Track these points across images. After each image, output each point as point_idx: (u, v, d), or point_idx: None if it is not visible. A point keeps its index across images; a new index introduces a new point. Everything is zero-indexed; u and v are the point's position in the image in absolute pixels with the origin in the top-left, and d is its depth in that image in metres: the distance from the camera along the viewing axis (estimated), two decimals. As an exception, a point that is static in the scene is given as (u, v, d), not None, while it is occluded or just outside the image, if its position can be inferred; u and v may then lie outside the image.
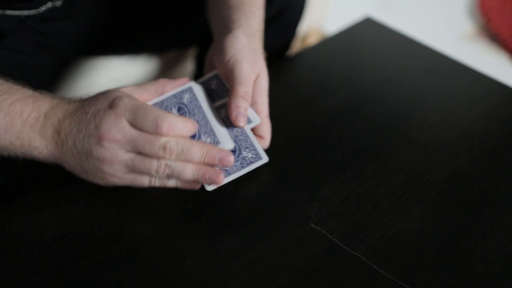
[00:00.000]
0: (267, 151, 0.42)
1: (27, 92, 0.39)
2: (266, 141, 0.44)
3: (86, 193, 0.42)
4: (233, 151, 0.41)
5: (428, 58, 0.60)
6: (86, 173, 0.39)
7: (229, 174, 0.40)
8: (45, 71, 0.61)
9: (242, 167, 0.40)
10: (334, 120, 0.50)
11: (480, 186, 0.44)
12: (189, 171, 0.37)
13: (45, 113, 0.38)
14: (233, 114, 0.40)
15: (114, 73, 0.71)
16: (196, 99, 0.42)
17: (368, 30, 0.65)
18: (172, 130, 0.36)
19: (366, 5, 1.55)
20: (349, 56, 0.60)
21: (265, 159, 0.41)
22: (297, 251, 0.38)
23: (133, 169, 0.37)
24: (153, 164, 0.37)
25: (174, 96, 0.42)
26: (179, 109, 0.41)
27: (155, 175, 0.38)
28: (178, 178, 0.38)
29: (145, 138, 0.36)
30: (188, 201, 0.41)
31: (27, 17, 0.55)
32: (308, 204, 0.41)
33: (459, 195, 0.43)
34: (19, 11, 0.54)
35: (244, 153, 0.41)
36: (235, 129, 0.41)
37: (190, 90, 0.42)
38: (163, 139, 0.36)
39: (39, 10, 0.55)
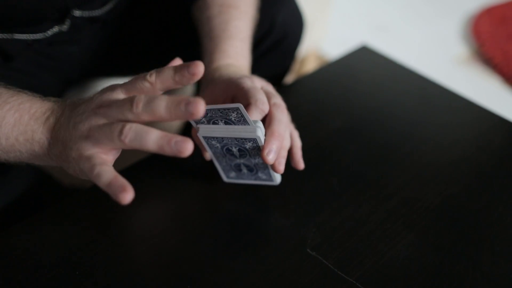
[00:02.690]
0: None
1: (37, 95, 0.41)
2: (299, 161, 0.44)
3: (89, 215, 0.43)
4: (250, 170, 0.43)
5: (421, 86, 0.63)
6: (66, 151, 0.36)
7: (242, 179, 0.44)
8: (50, 92, 0.62)
9: (255, 180, 0.45)
10: (330, 148, 0.52)
11: (471, 213, 0.46)
12: (153, 135, 0.32)
13: (52, 108, 0.38)
14: (266, 151, 0.38)
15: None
16: (259, 149, 0.40)
17: (364, 58, 0.67)
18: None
19: (363, 28, 1.59)
20: (345, 84, 0.62)
21: (275, 182, 0.44)
22: (293, 276, 0.39)
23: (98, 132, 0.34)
24: (117, 126, 0.33)
25: (236, 140, 0.39)
26: (240, 151, 0.41)
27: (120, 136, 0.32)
28: (141, 143, 0.32)
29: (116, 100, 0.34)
30: (186, 224, 0.43)
31: (34, 40, 0.57)
32: (305, 230, 0.43)
33: (451, 222, 0.45)
34: (27, 35, 0.56)
35: (260, 174, 0.44)
36: (257, 159, 0.42)
37: (254, 141, 0.39)
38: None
39: (46, 34, 0.57)
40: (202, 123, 0.40)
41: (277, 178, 0.44)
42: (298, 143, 0.45)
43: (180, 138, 0.30)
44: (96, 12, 0.61)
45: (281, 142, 0.39)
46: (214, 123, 0.39)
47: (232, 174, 0.45)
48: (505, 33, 1.55)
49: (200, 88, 0.51)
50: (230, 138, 0.39)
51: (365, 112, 0.57)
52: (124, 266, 0.39)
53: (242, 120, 0.38)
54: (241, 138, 0.39)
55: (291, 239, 0.42)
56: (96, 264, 0.38)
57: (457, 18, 1.66)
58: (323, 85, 0.61)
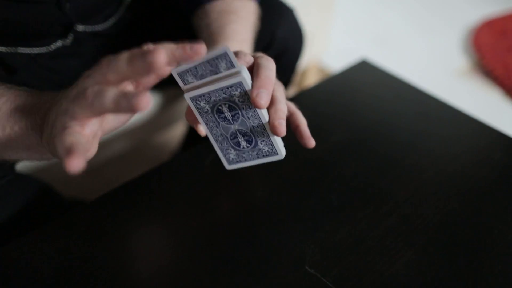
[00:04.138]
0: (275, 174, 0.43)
1: (34, 90, 0.40)
2: (309, 137, 0.42)
3: (89, 230, 0.43)
4: (249, 142, 0.40)
5: (420, 100, 0.63)
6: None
7: (245, 160, 0.41)
8: (52, 106, 0.63)
9: (258, 157, 0.41)
10: (330, 162, 0.52)
11: (471, 230, 0.46)
12: (111, 92, 0.29)
13: (47, 99, 0.37)
14: (254, 93, 0.35)
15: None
16: (248, 98, 0.37)
17: (363, 72, 0.68)
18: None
19: (364, 41, 1.60)
20: (344, 98, 0.62)
21: (280, 155, 0.40)
22: (291, 294, 0.39)
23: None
24: (84, 91, 0.31)
25: (223, 91, 0.37)
26: (230, 109, 0.38)
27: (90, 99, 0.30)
28: (101, 102, 0.30)
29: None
30: (185, 240, 0.43)
31: (38, 54, 0.58)
32: (303, 246, 0.43)
33: (450, 239, 0.45)
34: (31, 49, 0.57)
35: (260, 146, 0.40)
36: (251, 119, 0.38)
37: (240, 84, 0.36)
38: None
39: (49, 48, 0.58)
40: (191, 83, 0.37)
41: (281, 150, 0.40)
42: (304, 121, 0.43)
43: (136, 92, 0.27)
44: (99, 27, 0.61)
45: (269, 85, 0.35)
46: (202, 78, 0.37)
47: (232, 154, 0.41)
48: (505, 45, 1.55)
49: None
50: (216, 90, 0.36)
51: (364, 126, 0.58)
52: (123, 281, 0.39)
53: (231, 66, 0.35)
54: (228, 87, 0.36)
55: (289, 256, 0.42)
56: (96, 279, 0.38)
57: (458, 30, 1.67)
58: (322, 100, 0.61)
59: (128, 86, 0.34)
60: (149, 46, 0.32)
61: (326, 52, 1.41)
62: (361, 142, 0.55)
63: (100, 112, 0.30)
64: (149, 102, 0.27)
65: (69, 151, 0.28)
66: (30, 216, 0.50)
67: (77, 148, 0.28)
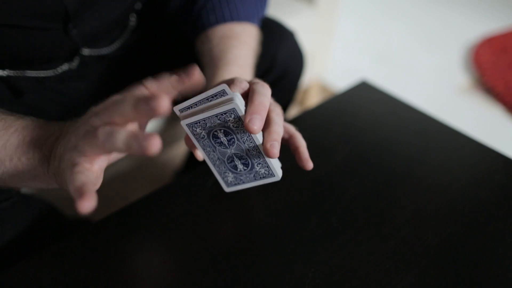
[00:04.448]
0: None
1: (42, 120, 0.41)
2: (308, 160, 0.42)
3: (91, 252, 0.43)
4: (246, 165, 0.41)
5: (419, 121, 0.64)
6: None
7: (243, 183, 0.42)
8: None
9: (255, 179, 0.41)
10: (330, 185, 0.52)
11: (472, 252, 0.46)
12: (122, 133, 0.30)
13: (53, 129, 0.38)
14: (247, 119, 0.36)
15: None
16: (241, 123, 0.38)
17: (363, 93, 0.69)
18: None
19: (366, 59, 1.62)
20: (344, 120, 0.63)
21: (277, 177, 0.41)
22: (291, 318, 0.39)
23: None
24: (95, 130, 0.32)
25: (217, 117, 0.38)
26: (225, 134, 0.39)
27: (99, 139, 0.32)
28: (112, 143, 0.31)
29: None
30: (187, 262, 0.43)
31: (44, 77, 0.59)
32: (303, 269, 0.43)
33: (451, 261, 0.45)
34: (38, 72, 0.58)
35: (257, 168, 0.41)
36: (246, 143, 0.40)
37: (233, 111, 0.37)
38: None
39: (56, 72, 0.60)
40: (187, 111, 0.39)
41: (277, 171, 0.41)
42: (303, 142, 0.44)
43: (146, 134, 0.29)
44: (104, 51, 0.63)
45: (263, 110, 0.36)
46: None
47: (230, 177, 0.42)
48: (506, 62, 1.57)
49: None
50: (211, 117, 0.38)
51: (364, 148, 0.58)
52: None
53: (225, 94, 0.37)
54: (222, 114, 0.37)
55: (290, 279, 0.42)
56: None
57: (458, 47, 1.68)
58: (322, 122, 0.62)
59: (134, 125, 0.35)
60: (152, 85, 0.34)
61: (328, 71, 1.43)
62: (361, 163, 0.56)
63: (110, 151, 0.31)
64: (158, 145, 0.28)
65: (81, 192, 0.29)
66: (34, 237, 0.50)
67: (88, 188, 0.30)
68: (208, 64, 0.54)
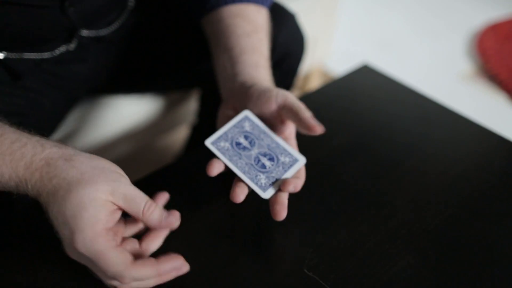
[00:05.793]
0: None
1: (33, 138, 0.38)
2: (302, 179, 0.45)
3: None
4: (272, 159, 0.44)
5: (421, 104, 0.63)
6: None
7: (275, 179, 0.43)
8: (57, 109, 0.64)
9: (284, 170, 0.44)
10: (330, 166, 0.52)
11: (470, 234, 0.46)
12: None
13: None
14: (311, 123, 0.42)
15: (121, 110, 0.74)
16: (257, 125, 0.46)
17: (365, 76, 0.68)
18: (132, 283, 0.35)
19: (368, 44, 1.60)
20: (345, 102, 0.63)
21: (302, 160, 0.45)
22: (290, 297, 0.39)
23: None
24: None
25: (235, 126, 0.45)
26: (246, 137, 0.45)
27: None
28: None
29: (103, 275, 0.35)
30: (184, 241, 0.43)
31: (42, 60, 0.59)
32: (302, 250, 0.43)
33: (450, 243, 0.45)
34: (35, 54, 0.58)
35: (282, 159, 0.45)
36: (264, 139, 0.46)
37: (247, 118, 0.46)
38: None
39: (54, 54, 0.59)
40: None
41: (299, 156, 0.45)
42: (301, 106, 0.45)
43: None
44: (103, 32, 0.62)
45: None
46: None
47: (263, 179, 0.43)
48: (510, 49, 1.55)
49: (227, 100, 0.51)
50: (231, 128, 0.45)
51: (365, 130, 0.58)
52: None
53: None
54: (238, 122, 0.45)
55: (288, 259, 0.42)
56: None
57: (462, 34, 1.66)
58: (324, 104, 0.62)
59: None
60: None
61: (329, 56, 1.41)
62: (361, 146, 0.55)
63: None
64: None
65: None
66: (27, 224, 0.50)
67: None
68: (220, 48, 0.53)
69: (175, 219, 0.37)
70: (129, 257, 0.34)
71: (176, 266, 0.36)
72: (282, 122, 0.47)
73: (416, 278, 0.41)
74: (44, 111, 0.61)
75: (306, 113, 0.43)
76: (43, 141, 0.37)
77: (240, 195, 0.42)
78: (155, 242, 0.39)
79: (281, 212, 0.41)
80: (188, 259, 0.42)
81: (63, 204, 0.34)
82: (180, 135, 1.02)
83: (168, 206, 0.47)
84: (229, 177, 0.47)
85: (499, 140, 0.57)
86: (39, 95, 0.60)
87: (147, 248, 0.38)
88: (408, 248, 0.43)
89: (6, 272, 0.40)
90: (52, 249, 0.39)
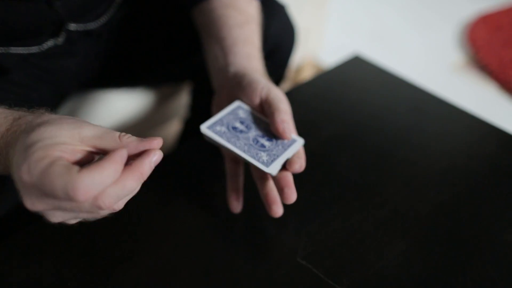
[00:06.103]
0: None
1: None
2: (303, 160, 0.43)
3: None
4: (270, 140, 0.43)
5: (412, 94, 0.63)
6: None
7: (277, 156, 0.42)
8: (47, 104, 0.63)
9: (285, 149, 0.43)
10: (322, 156, 0.52)
11: (462, 222, 0.46)
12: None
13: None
14: (280, 127, 0.42)
15: (112, 105, 0.74)
16: (250, 113, 0.45)
17: (356, 67, 0.68)
18: (90, 192, 0.29)
19: (359, 36, 1.60)
20: (337, 93, 0.63)
21: (300, 141, 0.44)
22: (284, 286, 0.39)
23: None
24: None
25: (230, 113, 0.45)
26: (241, 122, 0.44)
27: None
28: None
29: (68, 205, 0.30)
30: (180, 233, 0.43)
31: (30, 54, 0.58)
32: (295, 239, 0.43)
33: (441, 231, 0.45)
34: (22, 48, 0.57)
35: (280, 139, 0.44)
36: (260, 124, 0.45)
37: (240, 107, 0.46)
38: (86, 204, 0.30)
39: (41, 48, 0.58)
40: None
41: (297, 137, 0.44)
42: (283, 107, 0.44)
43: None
44: (91, 25, 0.61)
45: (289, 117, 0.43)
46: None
47: (264, 156, 0.42)
48: (500, 40, 1.56)
49: (220, 91, 0.50)
50: (226, 115, 0.44)
51: (357, 121, 0.58)
52: (125, 271, 0.39)
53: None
54: (233, 110, 0.45)
55: (282, 248, 0.42)
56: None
57: (453, 25, 1.67)
58: (315, 95, 0.62)
59: None
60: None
61: (321, 48, 1.41)
62: (354, 136, 0.55)
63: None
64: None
65: None
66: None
67: None
68: (212, 38, 0.52)
69: (156, 140, 0.33)
70: (76, 166, 0.29)
71: (145, 147, 0.31)
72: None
73: (408, 265, 0.41)
74: (33, 106, 0.60)
75: (281, 115, 0.42)
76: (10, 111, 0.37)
77: (237, 208, 0.44)
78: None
79: (292, 195, 0.40)
80: (180, 247, 0.42)
81: (23, 137, 0.31)
82: (172, 129, 1.02)
83: (161, 198, 0.47)
84: (222, 171, 0.47)
85: (489, 129, 0.58)
86: (28, 89, 0.59)
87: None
88: (400, 236, 0.44)
89: (5, 271, 0.40)
90: (52, 249, 0.38)
